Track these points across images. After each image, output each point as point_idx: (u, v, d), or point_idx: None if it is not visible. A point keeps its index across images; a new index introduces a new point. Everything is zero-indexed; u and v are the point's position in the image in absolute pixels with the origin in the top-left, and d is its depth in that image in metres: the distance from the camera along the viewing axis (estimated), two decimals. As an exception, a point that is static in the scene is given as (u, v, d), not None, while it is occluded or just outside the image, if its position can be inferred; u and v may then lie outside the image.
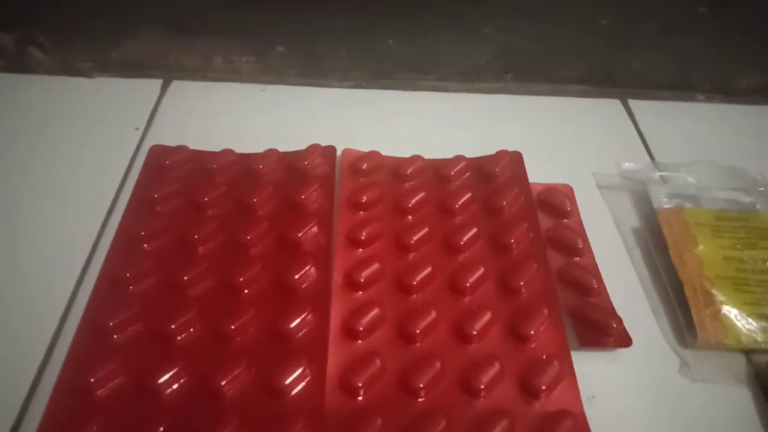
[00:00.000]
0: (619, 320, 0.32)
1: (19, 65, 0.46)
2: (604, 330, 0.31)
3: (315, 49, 0.46)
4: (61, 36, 0.45)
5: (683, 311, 0.33)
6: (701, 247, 0.35)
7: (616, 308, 0.33)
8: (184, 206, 0.36)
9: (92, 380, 0.28)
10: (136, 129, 0.42)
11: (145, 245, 0.34)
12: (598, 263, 0.35)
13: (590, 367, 0.30)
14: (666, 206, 0.38)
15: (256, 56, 0.46)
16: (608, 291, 0.33)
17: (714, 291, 0.33)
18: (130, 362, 0.29)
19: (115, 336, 0.30)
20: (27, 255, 0.34)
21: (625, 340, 0.31)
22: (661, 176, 0.40)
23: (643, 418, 0.29)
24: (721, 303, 0.32)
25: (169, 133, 0.41)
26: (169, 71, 0.46)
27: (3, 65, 0.46)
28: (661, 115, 0.46)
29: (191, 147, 0.40)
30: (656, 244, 0.36)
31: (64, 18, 0.44)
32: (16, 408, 0.28)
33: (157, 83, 0.46)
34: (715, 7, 0.44)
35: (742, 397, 0.30)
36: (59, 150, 0.40)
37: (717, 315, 0.32)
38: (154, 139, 0.41)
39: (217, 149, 0.39)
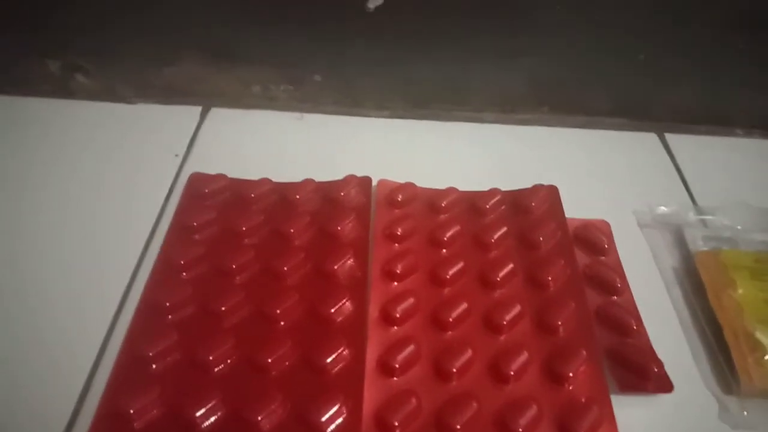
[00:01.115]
0: (660, 364, 0.31)
1: (64, 90, 0.47)
2: (644, 374, 0.31)
3: (351, 79, 0.46)
4: (105, 62, 0.46)
5: (725, 356, 0.32)
6: (740, 290, 0.34)
7: (655, 351, 0.32)
8: (222, 235, 0.37)
9: (131, 411, 0.28)
10: (176, 156, 0.43)
11: (184, 274, 0.35)
12: (636, 303, 0.34)
13: (629, 412, 0.30)
14: (702, 249, 0.37)
15: (293, 85, 0.47)
16: (648, 332, 0.33)
17: (757, 336, 0.32)
18: (168, 393, 0.29)
19: (154, 366, 0.31)
20: (66, 282, 0.35)
21: (666, 386, 0.31)
22: (697, 219, 0.39)
23: (685, 468, 0.29)
24: (766, 348, 0.32)
25: (207, 160, 0.42)
26: (208, 98, 0.47)
27: (49, 90, 0.47)
28: (698, 150, 0.46)
29: (229, 174, 0.40)
30: (694, 287, 0.36)
31: (109, 45, 0.45)
32: (58, 435, 0.29)
33: (197, 110, 0.47)
34: (753, 41, 0.43)
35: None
36: (101, 175, 0.41)
37: (761, 361, 0.31)
38: (194, 166, 0.42)
39: (255, 177, 0.40)
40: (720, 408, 0.30)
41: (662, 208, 0.40)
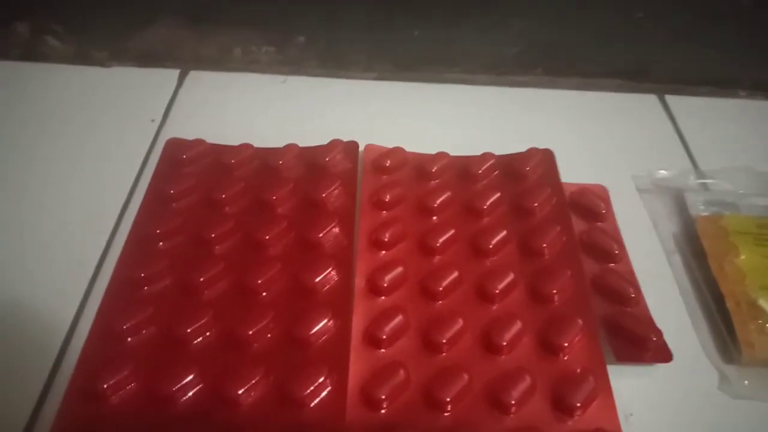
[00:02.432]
0: (659, 333, 0.30)
1: (34, 54, 0.45)
2: (642, 343, 0.29)
3: (337, 40, 0.44)
4: (77, 24, 0.44)
5: (726, 325, 0.31)
6: (743, 256, 0.33)
7: (654, 320, 0.31)
8: (201, 203, 0.35)
9: (105, 386, 0.27)
10: (153, 121, 0.41)
11: (161, 243, 0.33)
12: (634, 271, 0.33)
13: (626, 383, 0.28)
14: (703, 214, 0.36)
15: (275, 47, 0.44)
16: (646, 301, 0.31)
17: (760, 303, 0.31)
18: (144, 368, 0.28)
19: (129, 339, 0.29)
20: (37, 253, 0.33)
21: (664, 355, 0.29)
22: (698, 183, 0.38)
23: (684, 439, 0.28)
24: (768, 316, 0.30)
25: (185, 126, 0.40)
26: (186, 62, 0.45)
27: (18, 54, 0.45)
28: (700, 113, 0.44)
29: (208, 140, 0.38)
30: (695, 253, 0.34)
31: (81, 6, 0.43)
32: (27, 413, 0.27)
33: (174, 73, 0.44)
34: (760, -2, 0.41)
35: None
36: (73, 142, 0.39)
37: (763, 329, 0.30)
38: (171, 131, 0.40)
39: (235, 143, 0.38)
40: (720, 378, 0.29)
41: (662, 172, 0.38)
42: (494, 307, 0.31)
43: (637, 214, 0.37)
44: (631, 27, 0.43)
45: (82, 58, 0.45)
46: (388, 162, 0.37)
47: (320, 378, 0.28)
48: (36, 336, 0.30)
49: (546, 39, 0.44)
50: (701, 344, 0.31)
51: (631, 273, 0.33)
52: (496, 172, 0.38)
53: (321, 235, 0.33)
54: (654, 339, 0.29)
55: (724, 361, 0.30)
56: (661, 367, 0.29)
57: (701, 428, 0.28)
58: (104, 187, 0.36)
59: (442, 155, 0.38)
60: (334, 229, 0.34)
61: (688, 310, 0.32)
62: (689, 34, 0.44)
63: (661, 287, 0.33)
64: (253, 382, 0.28)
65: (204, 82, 0.44)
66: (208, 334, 0.30)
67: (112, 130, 0.40)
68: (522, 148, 0.38)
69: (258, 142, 0.38)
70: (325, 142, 0.38)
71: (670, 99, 0.45)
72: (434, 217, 0.35)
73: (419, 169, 0.37)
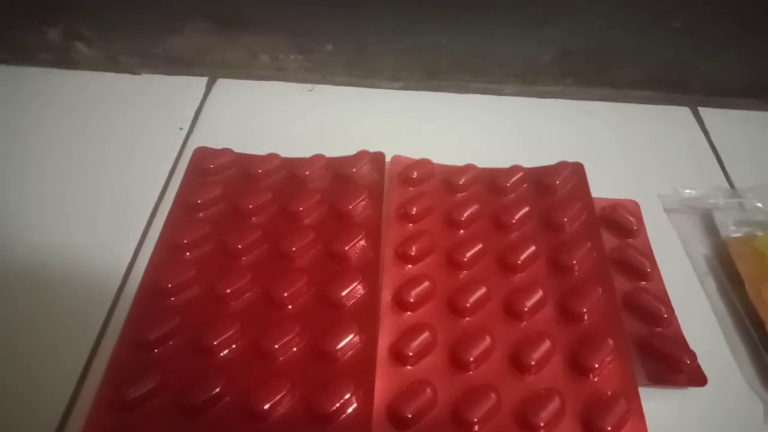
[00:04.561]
0: (693, 356, 0.29)
1: (65, 60, 0.45)
2: (675, 365, 0.29)
3: (364, 48, 0.44)
4: (107, 31, 0.44)
5: (768, 352, 0.30)
6: None
7: (688, 342, 0.30)
8: (228, 213, 0.35)
9: (131, 397, 0.27)
10: (181, 129, 0.41)
11: (188, 253, 0.33)
12: (667, 290, 0.32)
13: (658, 406, 0.28)
14: (734, 235, 0.35)
15: (303, 54, 0.44)
16: (679, 322, 0.31)
17: (800, 329, 0.30)
18: (170, 379, 0.28)
19: (156, 350, 0.29)
20: (64, 262, 0.33)
21: (699, 379, 0.29)
22: (727, 203, 0.37)
23: (719, 468, 0.27)
24: (811, 343, 0.29)
25: (213, 134, 0.40)
26: (214, 68, 0.45)
27: (49, 59, 0.45)
28: (734, 126, 0.43)
29: (236, 148, 0.38)
30: (729, 276, 0.33)
31: (111, 12, 0.43)
32: (54, 423, 0.27)
33: (203, 81, 0.44)
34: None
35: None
36: (101, 149, 0.39)
37: (805, 357, 0.29)
38: (199, 139, 0.40)
39: (262, 152, 0.38)
40: (765, 409, 0.28)
41: (688, 191, 0.37)
42: (523, 325, 0.31)
43: (670, 230, 0.36)
44: (668, 36, 0.42)
45: (111, 64, 0.45)
46: (415, 174, 0.37)
47: (346, 394, 0.27)
48: (63, 345, 0.30)
49: (577, 48, 0.43)
50: (741, 372, 0.30)
51: (664, 292, 0.32)
52: (525, 185, 0.37)
53: (347, 247, 0.33)
54: (688, 362, 0.29)
55: (768, 391, 0.29)
56: (695, 392, 0.29)
57: (737, 456, 0.27)
58: (133, 195, 0.36)
59: (469, 167, 0.38)
60: (360, 242, 0.33)
61: (724, 334, 0.31)
62: (725, 44, 0.43)
63: (695, 309, 0.32)
64: (280, 396, 0.27)
65: (232, 90, 0.44)
66: (234, 346, 0.29)
67: (140, 137, 0.40)
68: (550, 160, 0.38)
69: (285, 152, 0.38)
70: (351, 151, 0.38)
71: (704, 112, 0.44)
72: (461, 231, 0.35)
73: (446, 182, 0.37)
